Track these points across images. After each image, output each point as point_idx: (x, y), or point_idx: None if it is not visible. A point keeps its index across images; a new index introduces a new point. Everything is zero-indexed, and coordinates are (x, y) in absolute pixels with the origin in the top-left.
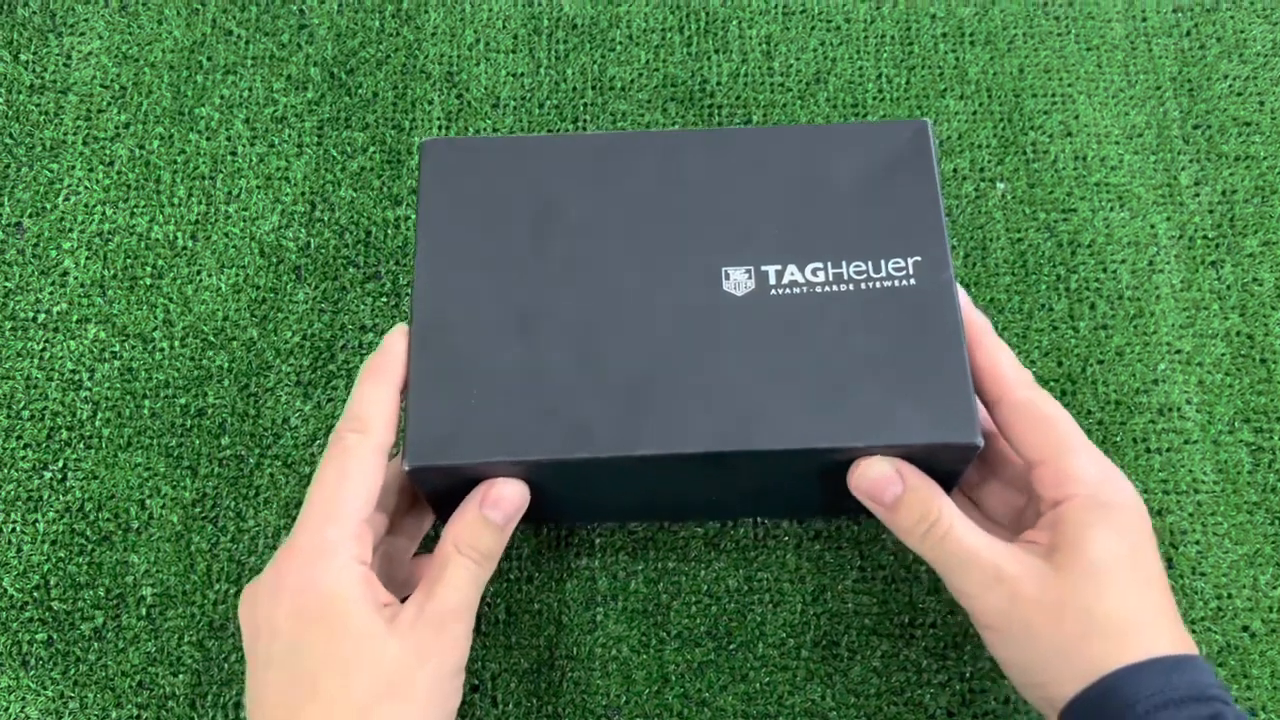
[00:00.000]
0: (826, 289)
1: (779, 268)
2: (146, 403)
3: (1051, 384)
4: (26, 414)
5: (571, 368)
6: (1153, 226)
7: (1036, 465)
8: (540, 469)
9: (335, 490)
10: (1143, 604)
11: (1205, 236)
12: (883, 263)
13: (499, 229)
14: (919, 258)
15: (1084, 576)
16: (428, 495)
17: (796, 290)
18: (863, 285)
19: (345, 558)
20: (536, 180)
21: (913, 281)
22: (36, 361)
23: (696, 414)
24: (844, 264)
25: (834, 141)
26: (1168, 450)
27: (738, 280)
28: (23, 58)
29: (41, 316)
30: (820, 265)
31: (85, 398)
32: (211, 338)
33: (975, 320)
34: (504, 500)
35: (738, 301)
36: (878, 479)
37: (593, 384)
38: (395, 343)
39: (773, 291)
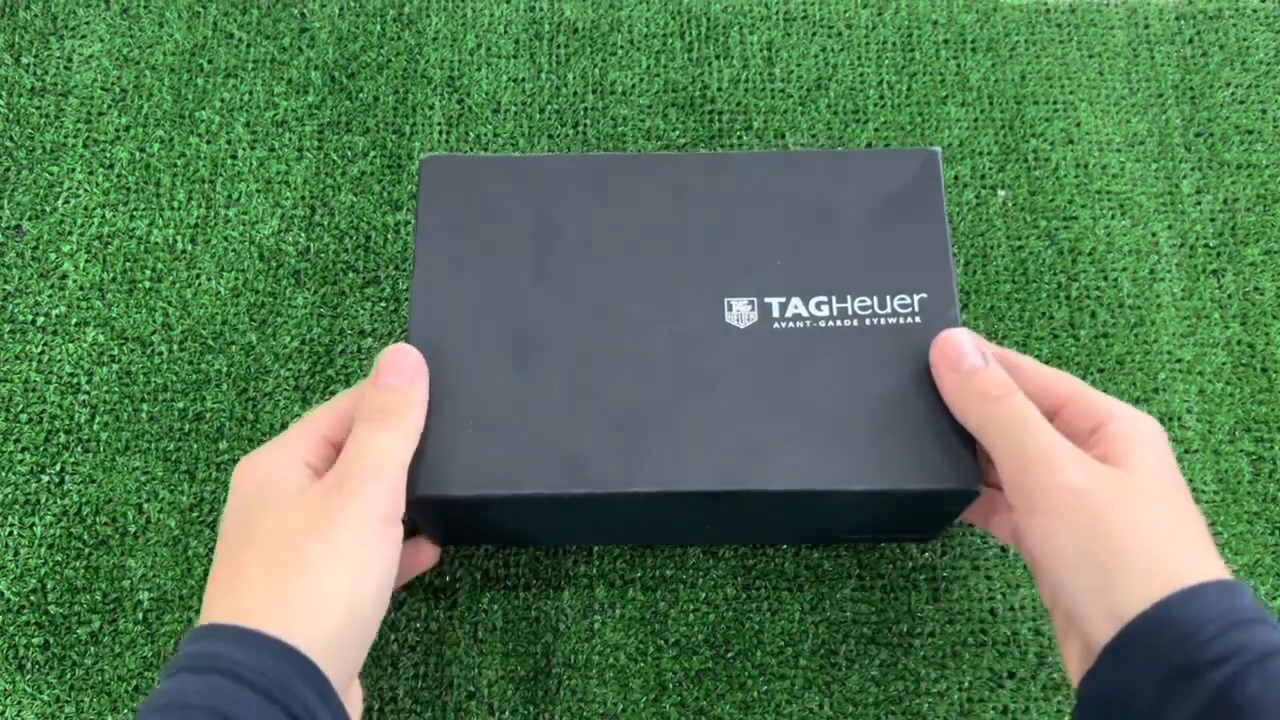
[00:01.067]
0: (830, 324)
1: (783, 300)
2: (145, 406)
3: None
4: (25, 417)
5: (568, 399)
6: (1154, 234)
7: (1065, 403)
8: (535, 502)
9: (309, 414)
10: (1194, 524)
11: (1206, 245)
12: (888, 299)
13: (498, 252)
14: (925, 295)
15: (1150, 481)
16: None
17: (800, 324)
18: (867, 321)
19: (289, 453)
20: (538, 202)
21: (918, 319)
22: (35, 364)
23: (694, 451)
24: (849, 299)
25: (841, 169)
26: None
27: (741, 312)
28: (24, 60)
29: (40, 319)
30: (825, 299)
31: (83, 401)
32: (210, 342)
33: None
34: (392, 367)
35: (740, 334)
36: (961, 349)
37: (590, 416)
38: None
39: (775, 325)
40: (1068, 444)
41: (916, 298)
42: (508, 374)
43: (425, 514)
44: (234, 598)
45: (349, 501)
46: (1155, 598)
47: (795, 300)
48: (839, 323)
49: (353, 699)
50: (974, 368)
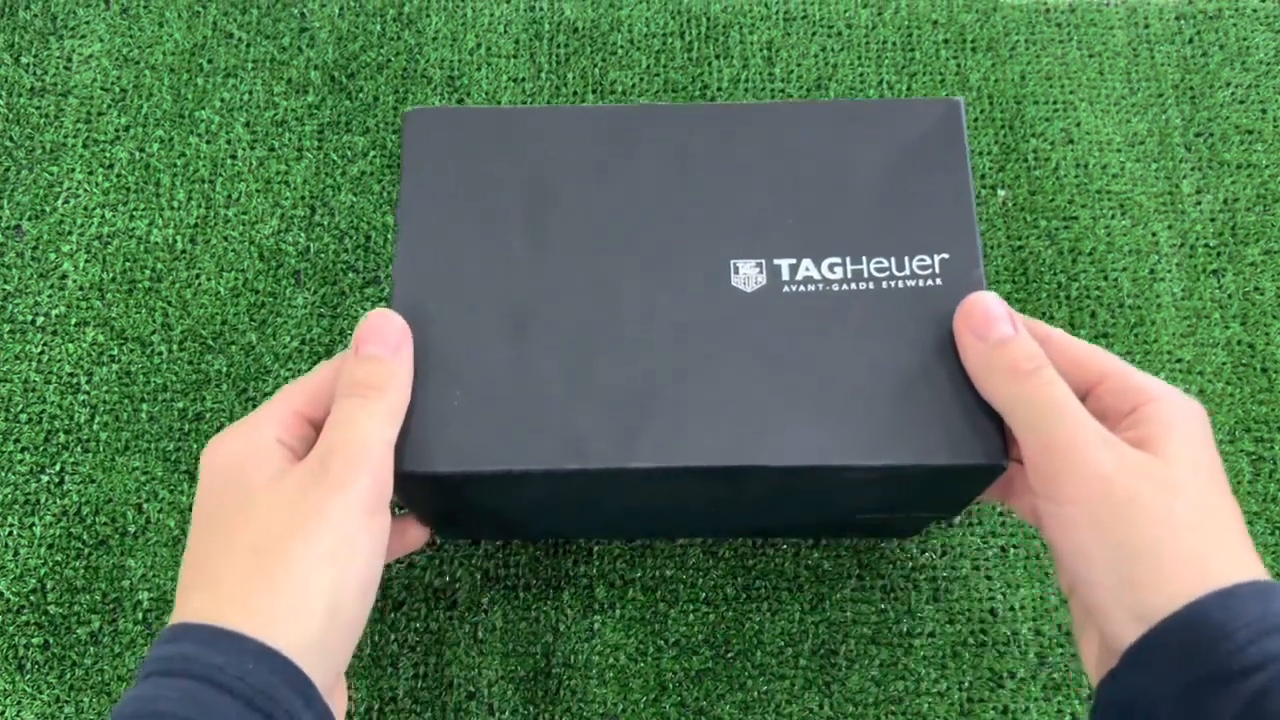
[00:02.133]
0: (844, 287)
1: (793, 262)
2: (144, 406)
3: None
4: (24, 417)
5: (564, 370)
6: (1154, 234)
7: (1103, 380)
8: (528, 480)
9: (284, 389)
10: (1230, 519)
11: (1206, 245)
12: (906, 260)
13: (488, 212)
14: (946, 255)
15: (1185, 470)
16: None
17: (811, 288)
18: (884, 284)
19: (263, 432)
20: (530, 158)
21: (939, 281)
22: (35, 364)
23: (699, 424)
24: (864, 260)
25: (856, 120)
26: None
27: (748, 275)
28: (23, 60)
29: (40, 319)
30: (838, 261)
31: (83, 401)
32: (210, 341)
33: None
34: (374, 334)
35: (746, 298)
36: (990, 315)
37: (587, 389)
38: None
39: (785, 289)
40: (1098, 426)
41: (937, 258)
42: (498, 341)
43: (410, 493)
44: (210, 595)
45: (333, 494)
46: (1186, 598)
47: (806, 262)
48: (853, 285)
49: (338, 699)
50: (1003, 337)
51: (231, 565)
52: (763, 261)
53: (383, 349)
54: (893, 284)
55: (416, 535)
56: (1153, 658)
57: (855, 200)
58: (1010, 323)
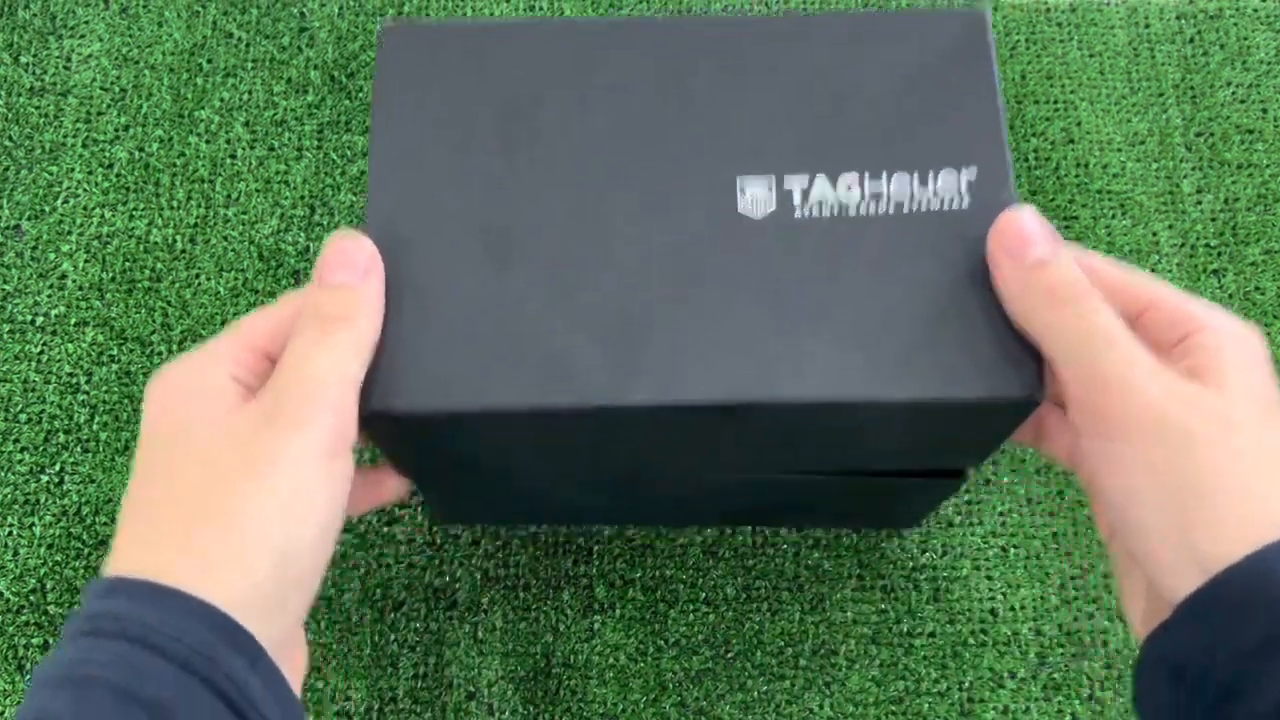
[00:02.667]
0: (862, 210)
1: (805, 182)
2: None
3: None
4: (24, 417)
5: (552, 300)
6: (1154, 234)
7: (1150, 308)
8: (511, 423)
9: (243, 320)
10: None
11: (1207, 245)
12: (930, 177)
13: (469, 133)
14: (973, 174)
15: (1245, 403)
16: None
17: (826, 212)
18: (905, 208)
19: (217, 367)
20: (515, 74)
21: (966, 203)
22: (34, 365)
23: (702, 358)
24: (883, 176)
25: (872, 33)
26: None
27: (755, 196)
28: (23, 60)
29: (40, 319)
30: (855, 178)
31: (83, 401)
32: None
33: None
34: (340, 259)
35: (755, 225)
36: (1025, 234)
37: (578, 320)
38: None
39: (797, 214)
40: (1149, 356)
41: (963, 177)
42: (480, 270)
43: (385, 439)
44: (147, 546)
45: (285, 434)
46: (1248, 546)
47: (820, 179)
48: (872, 207)
49: (297, 658)
50: (1041, 259)
51: (171, 513)
52: (771, 178)
53: (350, 276)
54: (915, 207)
55: (395, 486)
56: (1210, 613)
57: (872, 115)
58: (1050, 243)
